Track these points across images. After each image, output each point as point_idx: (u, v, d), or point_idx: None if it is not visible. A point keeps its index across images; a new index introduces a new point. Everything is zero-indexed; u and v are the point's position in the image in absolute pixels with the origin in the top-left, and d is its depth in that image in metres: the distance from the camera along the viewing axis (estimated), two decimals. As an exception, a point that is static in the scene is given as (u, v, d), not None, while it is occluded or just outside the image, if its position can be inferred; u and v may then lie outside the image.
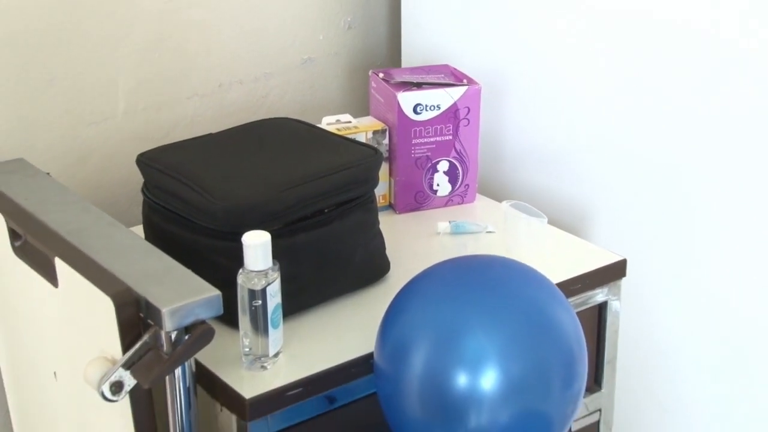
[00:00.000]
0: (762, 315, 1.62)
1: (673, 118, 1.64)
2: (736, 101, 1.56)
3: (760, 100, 1.52)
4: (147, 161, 1.45)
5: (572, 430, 1.57)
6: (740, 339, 1.68)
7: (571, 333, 1.22)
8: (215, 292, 1.19)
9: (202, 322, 1.18)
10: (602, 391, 1.61)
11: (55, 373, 1.41)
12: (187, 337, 1.18)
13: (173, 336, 1.17)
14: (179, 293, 1.18)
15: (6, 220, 1.40)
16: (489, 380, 1.15)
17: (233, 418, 1.28)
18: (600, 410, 1.62)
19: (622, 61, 1.68)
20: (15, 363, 1.57)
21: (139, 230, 1.51)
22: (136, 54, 1.69)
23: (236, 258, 1.26)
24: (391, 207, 1.71)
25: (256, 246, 1.24)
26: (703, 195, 1.64)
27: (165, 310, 1.15)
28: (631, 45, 1.66)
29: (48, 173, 1.55)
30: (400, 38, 1.95)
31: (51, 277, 1.31)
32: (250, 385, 1.27)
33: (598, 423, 1.62)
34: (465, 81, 1.68)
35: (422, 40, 1.91)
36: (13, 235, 1.40)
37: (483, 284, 1.23)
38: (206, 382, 1.30)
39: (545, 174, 1.82)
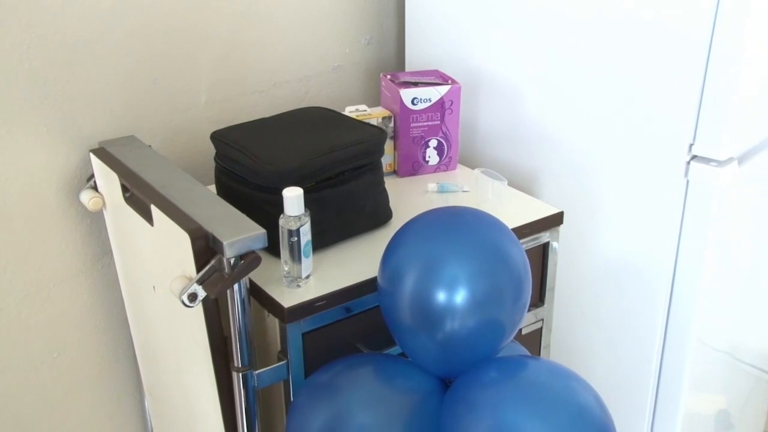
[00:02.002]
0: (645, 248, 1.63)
1: (587, 113, 1.65)
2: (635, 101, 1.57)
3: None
4: (218, 137, 1.47)
5: (523, 333, 1.60)
6: (631, 267, 1.69)
7: (520, 263, 1.25)
8: (262, 231, 1.22)
9: (252, 252, 1.22)
10: (545, 306, 1.63)
11: (153, 286, 1.45)
12: (241, 262, 1.21)
13: (232, 261, 1.20)
14: (236, 230, 1.21)
15: (119, 178, 1.42)
16: (460, 297, 1.18)
17: (276, 321, 1.31)
18: (543, 319, 1.64)
19: (555, 69, 1.68)
20: (129, 280, 1.60)
21: (212, 187, 1.54)
22: (214, 62, 1.71)
23: (279, 206, 1.28)
24: (395, 173, 1.73)
25: (292, 198, 1.27)
26: (608, 168, 1.66)
27: (226, 243, 1.18)
28: (562, 57, 1.67)
29: (150, 146, 1.56)
30: (404, 51, 1.96)
31: (148, 218, 1.35)
32: (289, 298, 1.29)
33: (541, 328, 1.65)
34: (449, 81, 1.69)
35: (420, 52, 1.92)
36: (124, 189, 1.42)
37: (457, 227, 1.25)
38: (257, 295, 1.33)
39: (507, 149, 1.84)
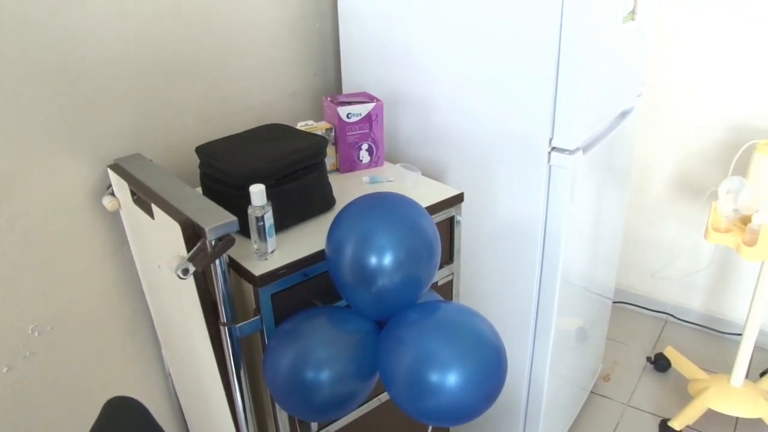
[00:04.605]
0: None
1: (479, 118, 1.58)
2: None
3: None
4: (201, 149, 1.39)
5: (439, 284, 1.53)
6: (516, 228, 1.64)
7: (431, 233, 1.18)
8: (234, 218, 1.15)
9: (228, 234, 1.14)
10: (454, 263, 1.56)
11: (159, 266, 1.38)
12: (220, 243, 1.14)
13: (213, 242, 1.13)
14: (215, 219, 1.14)
15: (129, 186, 1.34)
16: (387, 260, 1.12)
17: (251, 286, 1.22)
18: (453, 273, 1.57)
19: (453, 86, 1.61)
20: (141, 262, 1.53)
21: (198, 189, 1.46)
22: (200, 94, 1.62)
23: (248, 200, 1.21)
24: (337, 170, 1.64)
25: (257, 192, 1.19)
26: (497, 159, 1.60)
27: (207, 229, 1.12)
28: (457, 77, 1.59)
29: (151, 160, 1.50)
30: (342, 79, 1.86)
31: (150, 214, 1.28)
32: (259, 268, 1.21)
33: (452, 280, 1.57)
34: (375, 100, 1.61)
35: (352, 79, 1.84)
36: (132, 193, 1.35)
37: (384, 207, 1.18)
38: (236, 267, 1.25)
39: (422, 148, 1.76)
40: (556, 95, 1.47)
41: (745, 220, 2.00)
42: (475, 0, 1.51)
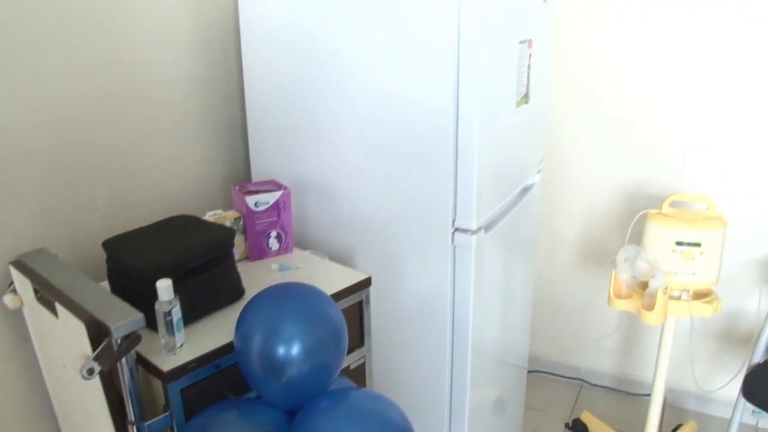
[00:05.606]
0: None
1: (387, 203, 1.64)
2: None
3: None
4: (108, 243, 1.38)
5: (351, 368, 1.55)
6: (424, 306, 1.69)
7: (337, 321, 1.21)
8: (140, 315, 1.14)
9: (134, 332, 1.14)
10: (365, 346, 1.59)
11: (64, 364, 1.35)
12: (126, 341, 1.13)
13: (119, 341, 1.13)
14: (121, 316, 1.14)
15: (31, 283, 1.32)
16: (295, 349, 1.14)
17: (159, 382, 1.21)
18: (365, 356, 1.60)
19: (358, 173, 1.67)
20: (46, 360, 1.49)
21: (105, 283, 1.45)
22: (109, 179, 1.63)
23: (155, 294, 1.21)
24: (247, 258, 1.66)
25: (163, 288, 1.20)
26: (404, 240, 1.65)
27: (113, 327, 1.11)
28: (361, 167, 1.66)
29: (56, 255, 1.47)
30: (250, 168, 1.90)
31: (54, 312, 1.26)
32: (168, 363, 1.21)
33: (364, 363, 1.60)
34: (282, 188, 1.65)
35: (260, 168, 1.88)
36: (35, 290, 1.33)
37: (289, 298, 1.20)
38: (143, 362, 1.24)
39: (331, 233, 1.81)
40: (456, 180, 1.55)
41: (644, 286, 2.13)
42: (376, 91, 1.60)
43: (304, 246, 1.83)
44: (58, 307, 1.23)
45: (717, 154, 2.33)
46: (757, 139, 2.26)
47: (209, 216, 1.59)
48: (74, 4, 1.49)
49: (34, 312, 1.39)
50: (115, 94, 1.60)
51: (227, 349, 1.27)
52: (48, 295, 1.27)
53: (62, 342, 1.30)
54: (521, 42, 1.73)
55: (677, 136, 2.37)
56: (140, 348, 1.23)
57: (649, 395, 2.78)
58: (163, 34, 1.71)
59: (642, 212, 2.21)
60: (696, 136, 2.34)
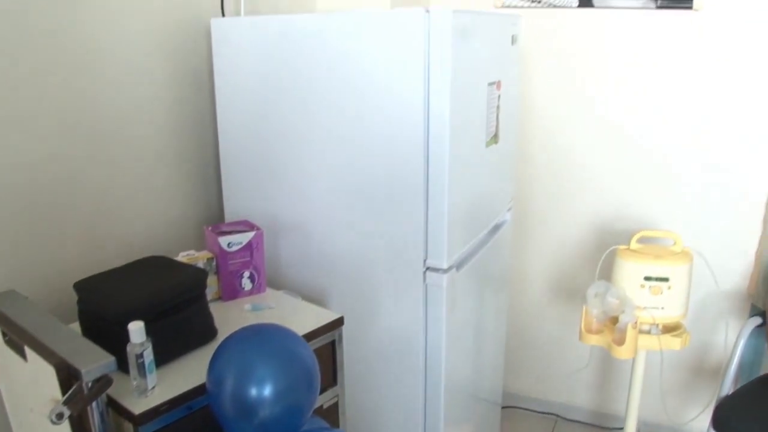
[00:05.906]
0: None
1: (361, 243, 1.67)
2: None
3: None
4: (79, 285, 1.39)
5: (324, 407, 1.56)
6: (397, 343, 1.70)
7: (309, 361, 1.22)
8: (111, 358, 1.14)
9: (105, 375, 1.13)
10: (338, 385, 1.59)
11: (31, 409, 1.32)
12: (97, 384, 1.13)
13: (89, 384, 1.12)
14: (92, 360, 1.13)
15: (0, 325, 1.31)
16: (267, 391, 1.14)
17: (131, 425, 1.21)
18: (338, 395, 1.60)
19: (330, 213, 1.69)
20: (12, 404, 1.47)
21: (75, 324, 1.44)
22: (81, 219, 1.63)
23: (127, 336, 1.22)
24: (220, 298, 1.66)
25: (135, 330, 1.21)
26: (376, 281, 1.66)
27: (83, 371, 1.10)
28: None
29: (27, 297, 1.45)
30: (223, 208, 1.92)
31: (23, 356, 1.25)
32: (139, 405, 1.21)
33: (337, 402, 1.60)
34: (255, 228, 1.67)
35: (233, 209, 1.90)
36: (3, 333, 1.31)
37: (262, 340, 1.21)
38: (115, 405, 1.23)
39: (304, 272, 1.82)
40: (427, 220, 1.58)
41: (615, 321, 2.16)
42: (343, 137, 1.63)
43: (277, 285, 1.84)
44: (27, 350, 1.22)
45: (682, 190, 2.39)
46: (721, 175, 2.33)
47: (182, 256, 1.59)
48: (47, 44, 1.50)
49: (1, 355, 1.37)
50: (87, 135, 1.62)
51: (199, 390, 1.27)
52: (17, 338, 1.25)
53: (31, 386, 1.28)
54: (490, 84, 1.78)
55: (644, 173, 2.44)
56: (111, 391, 1.21)
57: (622, 429, 2.80)
58: (140, 76, 1.73)
59: (611, 248, 2.26)
60: (662, 172, 2.41)
